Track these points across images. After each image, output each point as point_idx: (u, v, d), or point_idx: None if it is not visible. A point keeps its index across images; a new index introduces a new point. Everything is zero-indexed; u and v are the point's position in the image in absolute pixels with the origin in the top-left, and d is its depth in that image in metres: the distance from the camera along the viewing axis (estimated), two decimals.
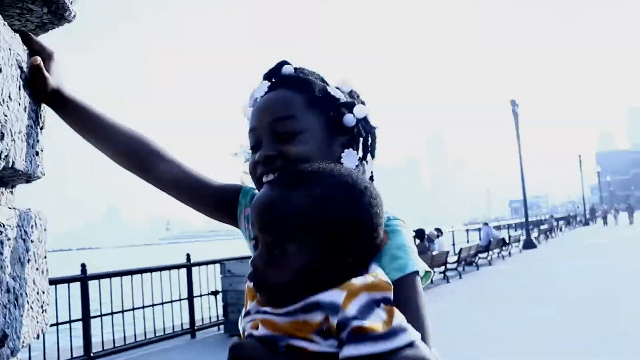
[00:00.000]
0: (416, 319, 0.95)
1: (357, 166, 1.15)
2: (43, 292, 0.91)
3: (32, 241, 0.90)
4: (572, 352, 5.93)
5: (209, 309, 8.89)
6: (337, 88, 1.19)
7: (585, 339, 6.42)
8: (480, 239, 18.98)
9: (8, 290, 0.75)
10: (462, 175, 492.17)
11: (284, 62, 1.19)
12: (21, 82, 0.96)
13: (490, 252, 17.51)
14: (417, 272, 1.04)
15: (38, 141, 1.01)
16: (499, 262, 17.96)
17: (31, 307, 0.85)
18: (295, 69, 1.19)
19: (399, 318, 0.87)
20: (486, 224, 19.53)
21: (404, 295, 0.96)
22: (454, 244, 18.26)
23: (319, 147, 1.10)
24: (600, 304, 8.60)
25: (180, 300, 8.44)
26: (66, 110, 1.20)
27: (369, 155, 1.18)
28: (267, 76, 1.19)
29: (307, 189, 0.92)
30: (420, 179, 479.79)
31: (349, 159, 1.14)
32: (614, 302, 8.68)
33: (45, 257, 0.95)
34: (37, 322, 0.87)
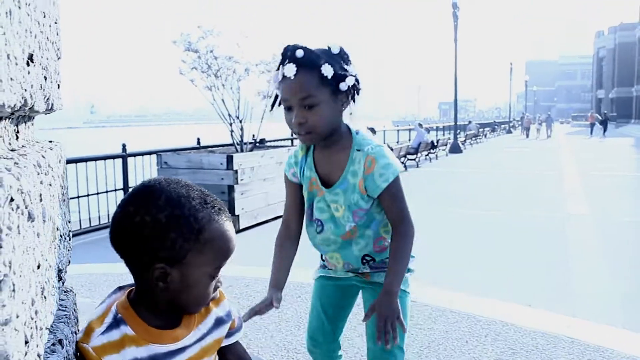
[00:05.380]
0: (402, 206, 1.80)
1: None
2: (69, 222, 0.93)
3: (59, 176, 0.90)
4: (482, 244, 6.48)
5: None
6: (328, 48, 1.75)
7: (494, 234, 7.02)
8: (409, 139, 19.53)
9: (57, 229, 0.77)
10: (394, 69, 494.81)
11: (296, 47, 1.68)
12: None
13: (419, 155, 18.15)
14: (396, 176, 1.79)
15: (58, 73, 0.98)
16: (426, 164, 18.70)
17: (65, 239, 0.88)
18: (304, 51, 1.68)
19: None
20: (420, 125, 19.98)
21: (393, 192, 1.79)
22: (384, 144, 18.75)
23: (330, 109, 1.73)
24: (510, 208, 9.29)
25: (115, 190, 8.37)
26: None
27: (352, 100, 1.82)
28: (288, 59, 1.67)
29: None
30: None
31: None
32: (521, 211, 9.39)
33: (67, 187, 0.96)
34: (68, 250, 0.90)
